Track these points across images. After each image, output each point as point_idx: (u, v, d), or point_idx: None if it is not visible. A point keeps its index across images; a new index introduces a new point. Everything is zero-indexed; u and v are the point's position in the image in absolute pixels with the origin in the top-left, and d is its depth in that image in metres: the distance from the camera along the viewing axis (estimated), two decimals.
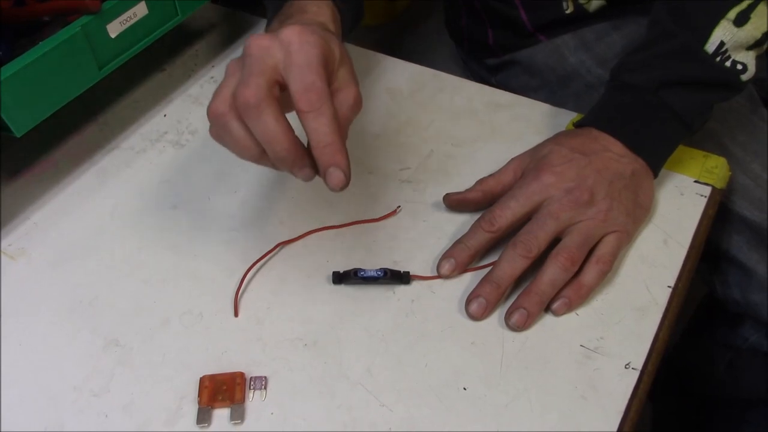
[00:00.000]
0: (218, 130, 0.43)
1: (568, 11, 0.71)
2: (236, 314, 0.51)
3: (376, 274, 0.52)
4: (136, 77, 0.71)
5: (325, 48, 0.42)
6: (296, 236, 0.55)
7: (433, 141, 0.64)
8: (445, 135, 0.64)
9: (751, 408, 0.81)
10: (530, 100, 0.67)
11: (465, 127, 0.65)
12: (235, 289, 0.52)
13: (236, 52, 0.73)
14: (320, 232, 0.56)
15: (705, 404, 0.89)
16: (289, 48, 0.41)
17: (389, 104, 0.68)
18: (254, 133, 0.41)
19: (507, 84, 0.80)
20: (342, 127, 0.43)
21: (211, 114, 0.43)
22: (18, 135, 0.53)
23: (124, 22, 0.58)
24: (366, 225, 0.57)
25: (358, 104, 0.45)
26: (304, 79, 0.40)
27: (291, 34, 0.41)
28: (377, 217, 0.57)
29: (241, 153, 0.43)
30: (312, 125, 0.41)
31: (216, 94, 0.43)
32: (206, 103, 0.67)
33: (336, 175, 0.41)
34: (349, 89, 0.44)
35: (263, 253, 0.54)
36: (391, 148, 0.63)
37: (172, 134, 0.65)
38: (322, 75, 0.41)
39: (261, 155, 0.42)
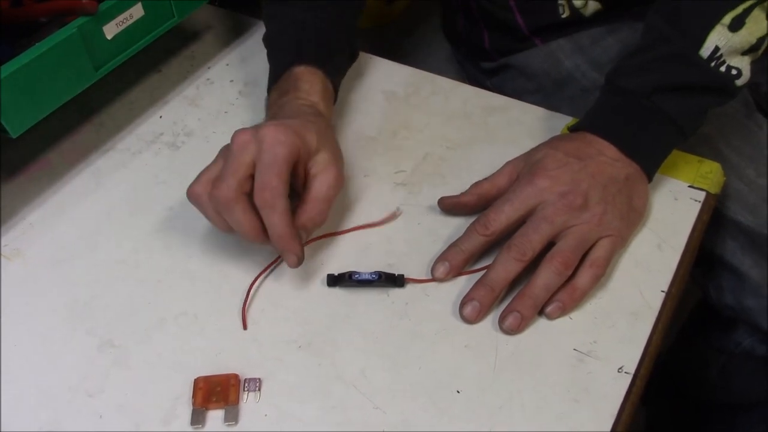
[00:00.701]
0: (195, 206, 0.51)
1: (563, 15, 0.72)
2: (245, 327, 0.51)
3: (370, 277, 0.52)
4: (132, 78, 0.71)
5: (296, 145, 0.49)
6: None
7: (428, 144, 0.64)
8: (440, 138, 0.64)
9: (744, 412, 0.81)
10: (525, 103, 0.68)
11: (460, 131, 0.65)
12: (242, 301, 0.52)
13: (232, 54, 0.74)
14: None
15: (698, 408, 0.89)
16: (261, 147, 0.48)
17: (384, 107, 0.68)
18: (227, 221, 0.49)
19: (502, 87, 0.80)
20: (320, 204, 0.50)
21: (190, 195, 0.51)
22: (14, 136, 0.53)
23: (121, 23, 0.58)
24: (360, 229, 0.57)
25: (338, 183, 0.52)
26: (263, 179, 0.47)
27: (266, 133, 0.48)
28: (374, 220, 0.57)
29: (216, 226, 0.51)
30: (266, 219, 0.48)
31: (199, 175, 0.51)
32: (202, 104, 0.68)
33: (290, 259, 0.49)
34: (328, 171, 0.51)
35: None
36: (386, 151, 0.63)
37: (167, 135, 0.65)
38: (282, 174, 0.48)
39: (231, 230, 0.50)
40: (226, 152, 0.50)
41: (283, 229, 0.48)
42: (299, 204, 0.51)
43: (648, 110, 0.56)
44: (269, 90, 0.62)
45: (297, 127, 0.50)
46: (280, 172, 0.48)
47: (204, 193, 0.49)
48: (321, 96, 0.59)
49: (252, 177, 0.48)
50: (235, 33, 0.76)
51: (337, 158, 0.53)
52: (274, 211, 0.48)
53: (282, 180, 0.48)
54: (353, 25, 0.67)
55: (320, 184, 0.51)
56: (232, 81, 0.71)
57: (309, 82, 0.59)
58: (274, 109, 0.58)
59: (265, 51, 0.64)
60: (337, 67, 0.64)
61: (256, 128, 0.49)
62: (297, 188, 0.53)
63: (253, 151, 0.48)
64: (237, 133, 0.50)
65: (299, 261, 0.49)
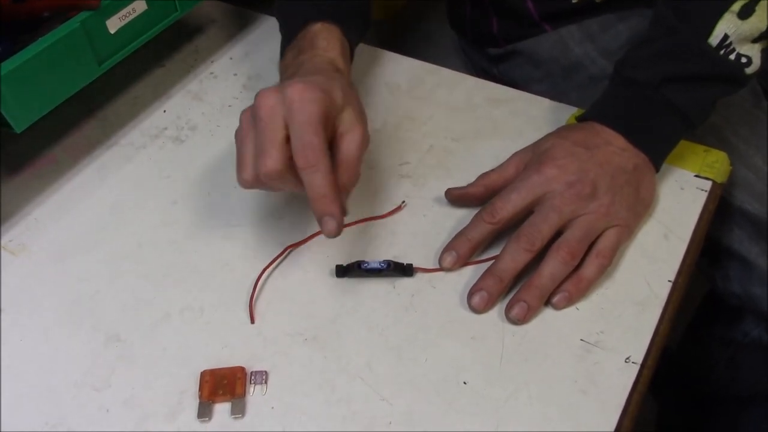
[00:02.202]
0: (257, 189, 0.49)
1: (574, 1, 0.71)
2: (252, 321, 0.50)
3: (379, 266, 0.52)
4: (135, 73, 0.71)
5: (325, 102, 0.46)
6: (303, 237, 0.55)
7: (432, 136, 0.64)
8: (445, 130, 0.64)
9: (751, 404, 0.81)
10: (530, 95, 0.67)
11: (464, 122, 0.65)
12: (249, 294, 0.52)
13: (235, 47, 0.73)
14: None
15: (705, 401, 0.89)
16: (291, 106, 0.45)
17: (388, 99, 0.68)
18: (288, 188, 0.48)
19: (510, 75, 0.80)
20: (353, 164, 0.48)
21: (243, 184, 0.48)
22: (18, 131, 0.53)
23: (124, 17, 0.58)
24: (366, 221, 0.57)
25: (365, 142, 0.49)
26: (302, 138, 0.45)
27: (293, 92, 0.46)
28: (380, 213, 0.57)
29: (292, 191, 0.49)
30: (308, 180, 0.45)
31: (239, 162, 0.48)
32: (206, 98, 0.68)
33: (329, 223, 0.46)
34: (354, 130, 0.48)
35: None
36: (390, 143, 0.63)
37: (171, 130, 0.65)
38: (320, 132, 0.45)
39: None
40: (251, 119, 0.47)
41: (327, 188, 0.45)
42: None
43: (656, 101, 0.55)
44: (283, 52, 0.60)
45: (322, 84, 0.48)
46: (317, 130, 0.45)
47: (254, 177, 0.47)
48: (339, 52, 0.57)
49: (288, 139, 0.46)
50: (238, 27, 0.76)
51: (362, 115, 0.51)
52: (317, 171, 0.45)
53: (321, 138, 0.45)
54: None
55: (348, 143, 0.48)
56: (235, 75, 0.71)
57: (326, 39, 0.57)
58: (292, 69, 0.55)
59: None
60: (353, 28, 0.61)
61: (280, 88, 0.47)
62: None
63: (282, 113, 0.46)
64: (261, 95, 0.47)
65: (338, 227, 0.46)
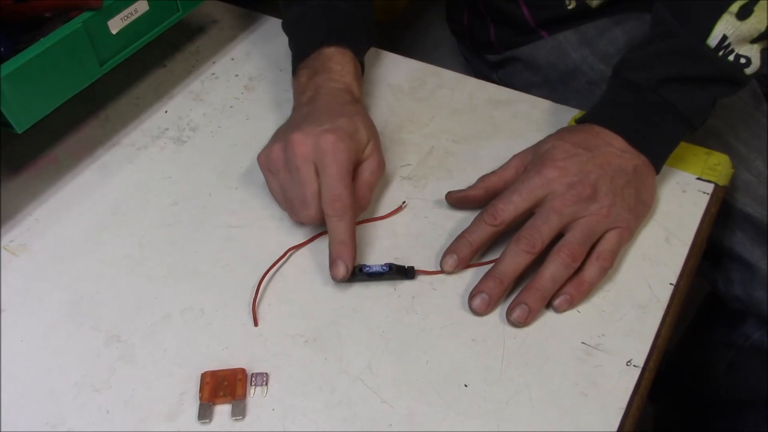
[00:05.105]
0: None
1: (570, 7, 0.71)
2: (256, 324, 0.50)
3: (381, 269, 0.52)
4: (137, 73, 0.71)
5: (352, 150, 0.52)
6: (305, 239, 0.55)
7: (433, 138, 0.64)
8: (446, 132, 0.64)
9: (752, 407, 0.81)
10: (531, 96, 0.67)
11: (465, 124, 0.65)
12: (252, 297, 0.52)
13: (237, 48, 0.73)
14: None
15: (705, 405, 0.88)
16: (323, 160, 0.51)
17: (390, 101, 0.68)
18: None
19: (509, 80, 0.80)
20: (367, 190, 0.55)
21: (304, 220, 0.54)
22: (19, 131, 0.53)
23: (126, 18, 0.58)
24: (366, 222, 0.57)
25: (381, 169, 0.56)
26: (333, 190, 0.51)
27: (326, 143, 0.51)
28: (380, 214, 0.57)
29: None
30: (333, 226, 0.51)
31: (290, 208, 0.55)
32: (207, 99, 0.68)
33: (341, 268, 0.51)
34: (373, 158, 0.55)
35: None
36: (391, 145, 0.63)
37: (173, 131, 0.65)
38: (348, 183, 0.51)
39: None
40: (284, 162, 0.53)
41: (348, 236, 0.51)
42: None
43: (655, 103, 0.55)
44: (295, 69, 0.63)
45: (350, 129, 0.53)
46: (347, 182, 0.51)
47: (302, 219, 0.54)
48: (354, 76, 0.61)
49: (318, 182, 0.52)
50: (239, 28, 0.76)
51: (379, 144, 0.57)
52: (342, 221, 0.51)
53: (349, 189, 0.51)
54: (371, 4, 0.68)
55: (363, 171, 0.55)
56: (237, 75, 0.71)
57: (341, 63, 0.61)
58: (309, 92, 0.59)
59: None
60: (362, 48, 0.65)
61: (314, 134, 0.52)
62: None
63: (314, 161, 0.52)
64: (296, 142, 0.52)
65: (347, 273, 0.51)
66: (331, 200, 0.51)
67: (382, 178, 0.57)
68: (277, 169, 0.54)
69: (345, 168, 0.51)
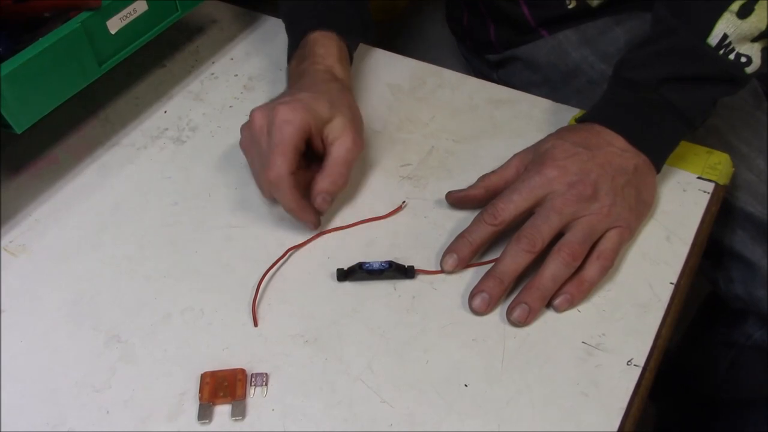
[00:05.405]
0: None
1: (570, 6, 0.71)
2: (255, 324, 0.50)
3: (381, 266, 0.52)
4: (136, 73, 0.71)
5: (304, 121, 0.52)
6: (305, 239, 0.55)
7: (433, 137, 0.63)
8: (446, 131, 0.64)
9: (753, 407, 0.81)
10: (532, 96, 0.67)
11: (466, 124, 0.65)
12: (252, 297, 0.52)
13: (236, 48, 0.73)
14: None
15: (706, 405, 0.88)
16: (271, 130, 0.52)
17: (390, 100, 0.67)
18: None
19: (509, 80, 0.80)
20: (336, 170, 0.53)
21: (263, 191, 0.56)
22: (18, 131, 0.53)
23: (124, 18, 0.58)
24: (366, 222, 0.56)
25: (355, 146, 0.54)
26: (269, 159, 0.51)
27: (276, 113, 0.52)
28: (380, 214, 0.57)
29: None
30: (276, 196, 0.53)
31: (253, 173, 0.57)
32: (207, 99, 0.68)
33: (308, 226, 0.55)
34: (344, 135, 0.54)
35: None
36: (392, 145, 0.63)
37: (172, 131, 0.65)
38: (287, 152, 0.51)
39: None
40: (251, 138, 0.54)
41: (292, 203, 0.52)
42: (319, 170, 0.54)
43: (656, 102, 0.55)
44: (290, 57, 0.64)
45: (307, 101, 0.53)
46: (285, 150, 0.51)
47: (264, 186, 0.55)
48: (336, 58, 0.61)
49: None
50: (239, 27, 0.76)
51: (354, 121, 0.55)
52: (280, 189, 0.52)
53: (286, 158, 0.51)
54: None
55: (337, 148, 0.54)
56: (236, 75, 0.71)
57: (324, 46, 0.61)
58: (293, 79, 0.61)
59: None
60: (352, 31, 0.65)
61: (270, 107, 0.53)
62: (320, 157, 0.55)
63: (267, 132, 0.52)
64: (253, 113, 0.54)
65: (315, 226, 0.54)
66: (267, 169, 0.52)
67: (379, 173, 0.57)
68: (247, 148, 0.56)
69: (287, 137, 0.51)
